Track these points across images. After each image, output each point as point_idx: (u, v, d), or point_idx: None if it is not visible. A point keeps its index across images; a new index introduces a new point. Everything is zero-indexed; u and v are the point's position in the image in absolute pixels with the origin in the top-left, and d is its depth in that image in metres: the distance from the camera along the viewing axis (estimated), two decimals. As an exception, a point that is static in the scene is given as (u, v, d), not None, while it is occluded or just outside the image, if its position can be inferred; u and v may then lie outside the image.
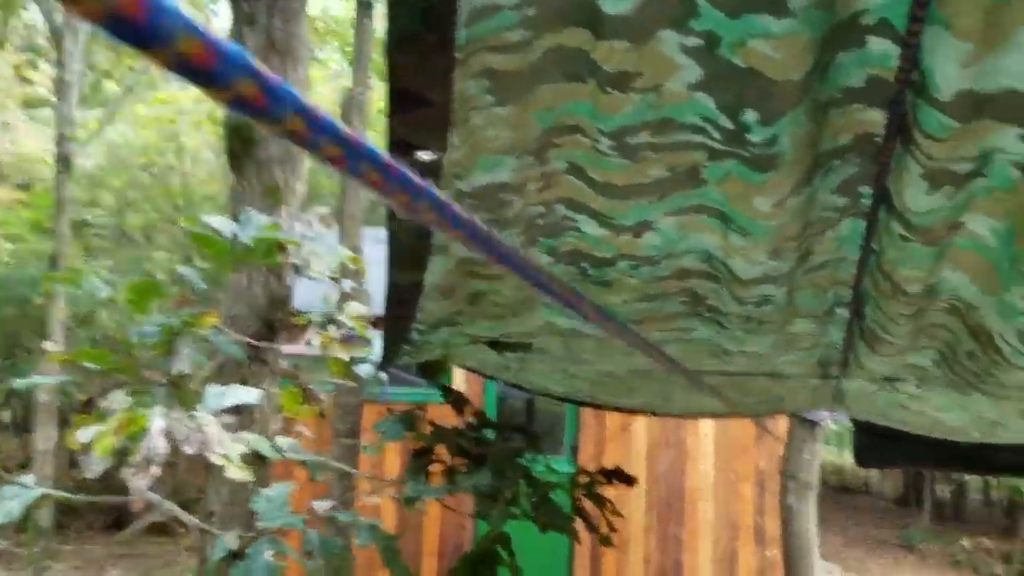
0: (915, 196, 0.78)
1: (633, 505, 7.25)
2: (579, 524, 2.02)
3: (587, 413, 7.28)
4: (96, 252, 12.08)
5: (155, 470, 1.28)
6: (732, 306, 1.29)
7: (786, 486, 5.50)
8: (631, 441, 7.35)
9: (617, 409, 5.48)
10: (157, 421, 1.32)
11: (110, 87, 13.08)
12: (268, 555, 1.44)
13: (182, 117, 11.88)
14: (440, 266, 0.96)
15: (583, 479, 1.79)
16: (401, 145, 0.72)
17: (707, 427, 7.49)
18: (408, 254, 0.90)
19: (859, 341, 1.64)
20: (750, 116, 0.68)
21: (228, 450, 1.33)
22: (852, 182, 0.86)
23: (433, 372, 1.53)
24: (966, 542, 14.43)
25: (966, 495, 19.23)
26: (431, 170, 0.73)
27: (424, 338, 1.44)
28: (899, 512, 18.98)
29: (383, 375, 3.13)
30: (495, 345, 1.61)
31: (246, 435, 1.48)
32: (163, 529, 9.85)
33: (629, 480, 1.86)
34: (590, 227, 0.96)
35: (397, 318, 1.15)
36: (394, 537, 1.45)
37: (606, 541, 1.82)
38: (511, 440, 1.77)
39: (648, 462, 7.35)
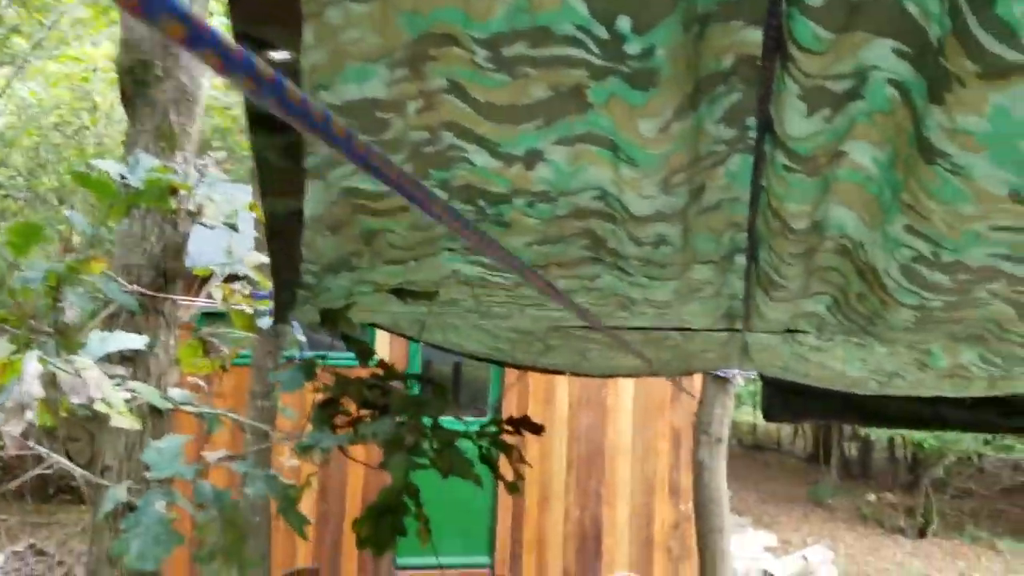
0: (795, 121, 0.78)
1: (555, 463, 7.38)
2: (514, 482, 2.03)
3: (510, 375, 7.33)
4: (7, 214, 11.47)
5: (29, 415, 1.21)
6: (630, 248, 1.29)
7: (698, 441, 5.66)
8: (554, 401, 7.45)
9: (537, 369, 5.53)
10: (31, 365, 1.25)
11: (19, 43, 12.34)
12: (159, 506, 1.39)
13: (95, 75, 11.30)
14: (320, 195, 0.92)
15: (490, 428, 1.78)
16: (247, 40, 0.68)
17: (627, 388, 7.64)
18: (278, 177, 0.85)
19: (757, 288, 1.66)
20: (624, 24, 0.66)
21: (109, 396, 1.27)
22: (737, 111, 0.85)
23: (335, 321, 1.49)
24: (871, 497, 15.19)
25: (872, 452, 20.20)
26: (287, 74, 0.68)
27: (321, 283, 1.40)
28: (809, 469, 19.82)
29: (300, 336, 3.06)
30: (400, 293, 1.58)
31: (135, 384, 1.41)
32: (83, 497, 9.53)
33: (535, 428, 1.86)
34: (480, 157, 0.93)
35: (282, 255, 1.10)
36: (291, 486, 1.42)
37: (513, 488, 1.82)
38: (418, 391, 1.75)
39: (570, 421, 7.47)
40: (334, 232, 1.06)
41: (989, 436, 12.66)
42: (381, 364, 1.64)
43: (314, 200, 0.93)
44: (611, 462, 7.53)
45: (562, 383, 7.51)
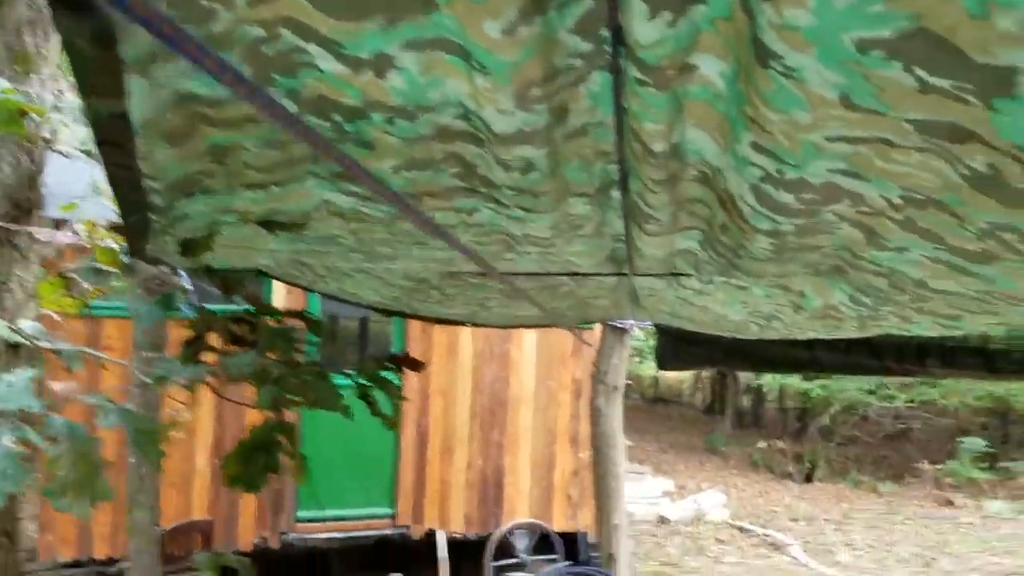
0: (640, 25, 0.77)
1: (458, 415, 7.43)
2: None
3: (414, 329, 7.30)
4: None
5: None
6: (500, 173, 1.27)
7: (596, 390, 5.78)
8: (457, 354, 7.47)
9: (438, 320, 5.50)
10: None
11: None
12: (7, 440, 1.31)
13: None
14: (146, 96, 0.85)
15: (369, 365, 1.76)
16: None
17: (530, 341, 7.73)
18: (94, 71, 0.78)
19: (633, 224, 1.68)
20: None
21: (-62, 323, 1.18)
22: (590, 21, 0.84)
23: (195, 250, 1.42)
24: (762, 444, 15.96)
25: (764, 403, 21.17)
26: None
27: (174, 208, 1.33)
28: (706, 420, 20.64)
29: (187, 284, 2.94)
30: (268, 225, 1.52)
31: (-24, 315, 1.32)
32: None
33: (415, 365, 1.84)
34: (326, 62, 0.89)
35: (119, 169, 1.03)
36: (150, 420, 1.36)
37: (390, 424, 1.80)
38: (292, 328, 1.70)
39: (473, 373, 7.52)
40: (174, 144, 1.00)
41: (872, 386, 13.44)
42: (249, 298, 1.59)
43: (140, 102, 0.86)
44: (513, 413, 7.64)
45: (466, 336, 7.54)
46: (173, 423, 1.57)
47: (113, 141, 0.94)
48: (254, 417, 1.71)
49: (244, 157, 1.15)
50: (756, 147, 0.90)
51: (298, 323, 1.92)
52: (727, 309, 3.03)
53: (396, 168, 1.28)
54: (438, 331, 7.36)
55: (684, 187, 1.27)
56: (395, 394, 1.76)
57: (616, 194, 1.58)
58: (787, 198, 1.01)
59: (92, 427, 1.43)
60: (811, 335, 3.08)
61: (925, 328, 2.65)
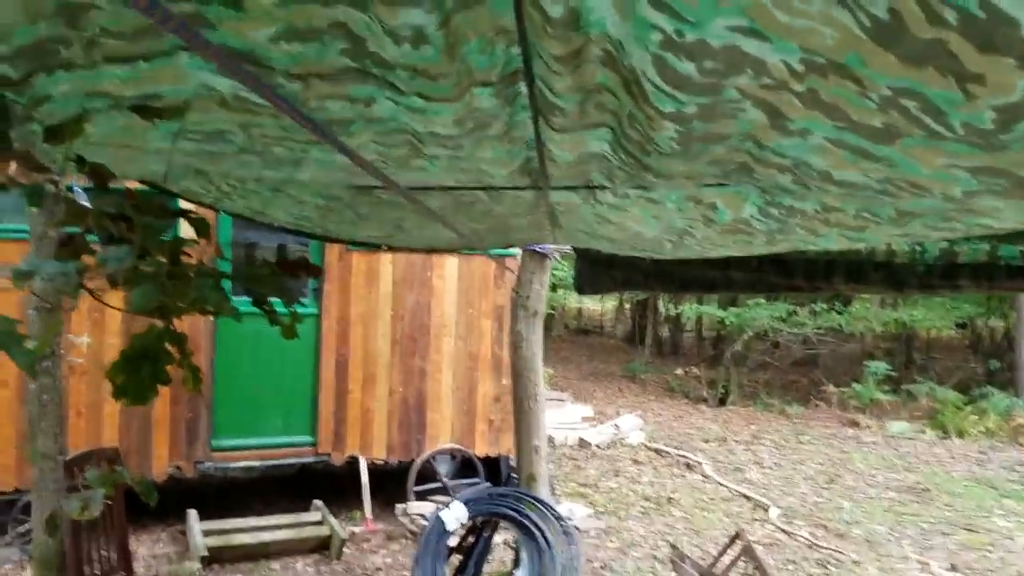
0: None
1: (379, 342, 7.36)
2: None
3: (332, 255, 7.14)
4: None
5: None
6: (391, 48, 1.18)
7: (517, 315, 5.78)
8: (377, 282, 7.36)
9: (353, 242, 5.37)
10: None
11: None
12: None
13: None
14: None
15: (263, 270, 1.66)
16: None
17: (451, 268, 7.67)
18: None
19: (541, 121, 1.61)
20: None
21: None
22: None
23: (61, 135, 1.29)
24: (679, 371, 16.45)
25: (682, 333, 21.76)
26: None
27: (32, 84, 1.20)
28: (627, 349, 21.13)
29: (85, 203, 2.74)
30: (142, 111, 1.39)
31: None
32: None
33: (312, 271, 1.76)
34: None
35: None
36: (11, 321, 1.25)
37: (289, 333, 1.72)
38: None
39: (394, 301, 7.44)
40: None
41: (783, 314, 13.90)
42: (128, 193, 1.47)
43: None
44: (435, 340, 7.61)
45: (386, 264, 7.42)
46: (53, 329, 1.45)
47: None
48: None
49: (99, 19, 1.03)
50: (654, 2, 0.83)
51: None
52: (642, 226, 3.01)
53: (273, 38, 1.18)
54: (357, 258, 7.22)
55: (589, 71, 1.21)
56: (290, 300, 1.68)
57: (523, 88, 1.51)
58: (688, 68, 0.96)
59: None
60: (723, 252, 3.10)
61: (832, 241, 2.69)
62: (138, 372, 1.54)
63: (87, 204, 1.41)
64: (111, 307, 1.66)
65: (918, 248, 3.05)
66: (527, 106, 1.62)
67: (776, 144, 1.21)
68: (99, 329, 6.07)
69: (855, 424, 12.48)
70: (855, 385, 13.57)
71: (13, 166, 1.57)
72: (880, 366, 13.52)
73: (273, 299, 1.77)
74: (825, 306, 14.40)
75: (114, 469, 2.80)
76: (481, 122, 1.69)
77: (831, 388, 13.95)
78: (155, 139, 1.80)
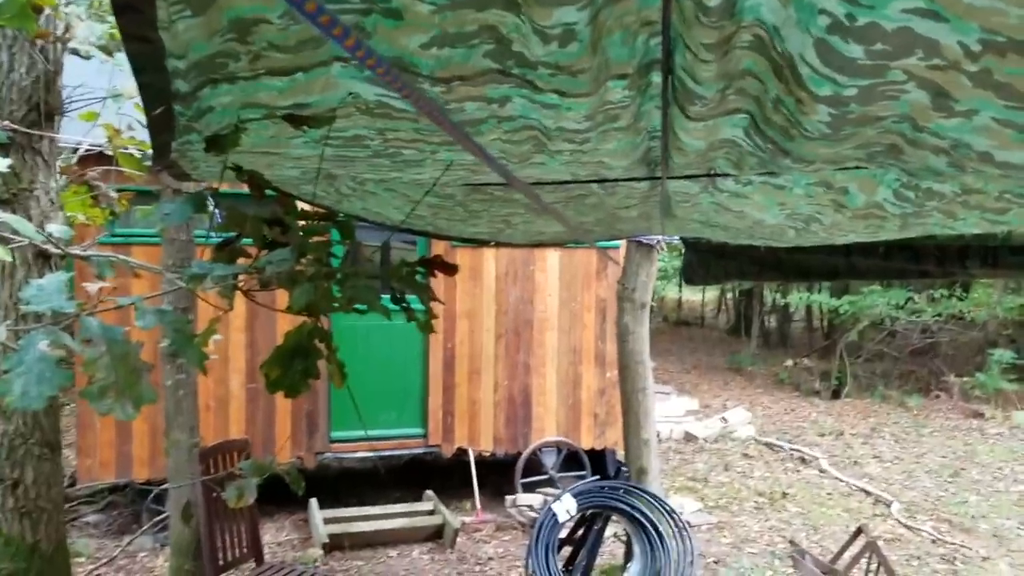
0: None
1: (484, 337, 7.45)
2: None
3: (437, 252, 7.28)
4: None
5: None
6: (537, 47, 1.20)
7: (622, 308, 5.75)
8: (481, 277, 7.46)
9: (462, 239, 5.46)
10: None
11: None
12: (43, 345, 1.29)
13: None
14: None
15: (402, 269, 1.72)
16: None
17: (553, 262, 7.69)
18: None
19: (674, 109, 1.60)
20: None
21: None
22: None
23: (222, 146, 1.37)
24: (789, 363, 15.97)
25: (790, 322, 21.11)
26: None
27: (199, 99, 1.27)
28: (731, 341, 20.67)
29: (211, 206, 2.90)
30: (293, 120, 1.46)
31: (5, 216, 1.28)
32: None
33: (448, 269, 1.80)
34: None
35: (139, 43, 0.96)
36: (186, 320, 1.34)
37: (425, 327, 1.77)
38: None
39: (497, 296, 7.52)
40: (196, 11, 0.94)
41: (901, 301, 13.30)
42: (280, 200, 1.54)
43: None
44: (539, 334, 7.66)
45: (489, 260, 7.51)
46: (213, 325, 1.55)
47: (131, 3, 0.88)
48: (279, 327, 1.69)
49: (267, 34, 1.09)
50: (827, -12, 0.82)
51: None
52: (764, 213, 2.95)
53: (425, 45, 1.22)
54: (461, 254, 7.33)
55: (736, 57, 1.19)
56: (428, 297, 1.73)
57: (656, 78, 1.50)
58: (855, 51, 0.93)
59: (128, 334, 1.41)
60: (851, 238, 3.00)
61: (970, 225, 2.56)
62: (291, 367, 1.61)
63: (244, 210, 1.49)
64: (268, 308, 1.75)
65: (1062, 229, 2.87)
66: (657, 96, 1.61)
67: (936, 125, 1.17)
68: (225, 327, 6.39)
69: (979, 415, 11.84)
70: (978, 374, 12.86)
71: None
72: (1005, 354, 12.76)
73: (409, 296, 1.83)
74: (945, 292, 13.69)
75: (257, 460, 2.94)
76: (611, 115, 1.69)
77: (952, 378, 13.27)
78: (298, 146, 1.89)
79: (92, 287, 1.34)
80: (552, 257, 7.67)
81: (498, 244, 6.14)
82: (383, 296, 1.57)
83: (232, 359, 6.52)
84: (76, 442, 6.35)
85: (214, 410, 6.44)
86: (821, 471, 8.94)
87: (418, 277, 1.81)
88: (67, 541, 1.83)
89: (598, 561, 5.54)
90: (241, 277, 1.54)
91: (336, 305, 1.46)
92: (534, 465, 7.55)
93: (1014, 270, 3.03)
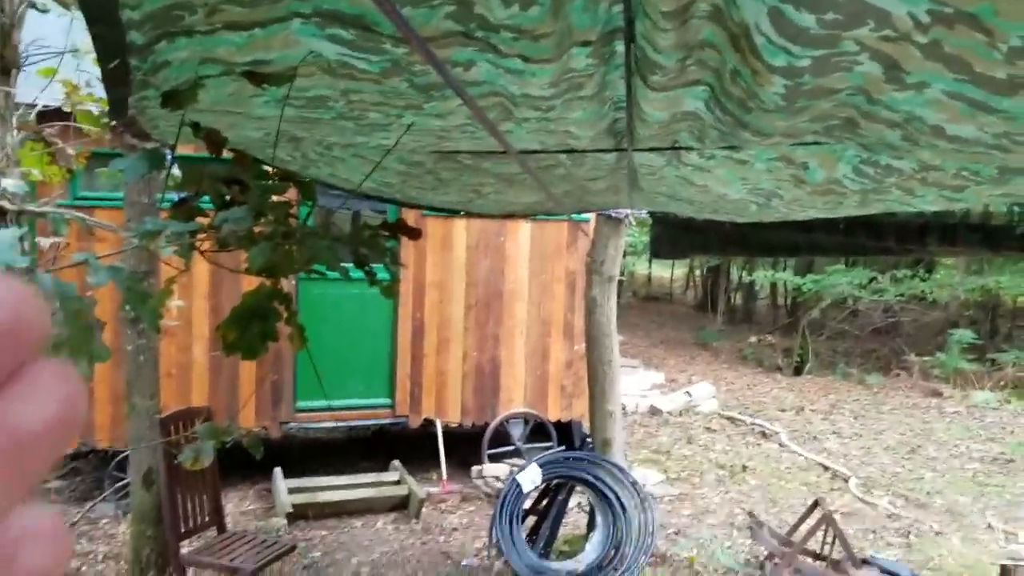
0: None
1: (453, 308, 7.46)
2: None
3: (407, 219, 7.24)
4: None
5: None
6: (498, 9, 1.19)
7: (591, 281, 5.78)
8: (451, 248, 7.44)
9: (432, 208, 5.44)
10: None
11: None
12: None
13: None
14: None
15: (365, 232, 1.71)
16: None
17: (524, 234, 7.69)
18: None
19: (636, 80, 1.61)
20: None
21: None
22: None
23: (179, 101, 1.35)
24: (753, 339, 16.20)
25: (755, 300, 21.38)
26: None
27: (155, 52, 1.25)
28: (697, 317, 20.87)
29: (176, 171, 2.86)
30: (253, 76, 1.44)
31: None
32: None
33: (411, 233, 1.80)
34: None
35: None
36: (140, 279, 1.32)
37: (388, 292, 1.77)
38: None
39: (468, 267, 7.51)
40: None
41: (864, 280, 13.52)
42: (237, 157, 1.53)
43: None
44: (508, 306, 7.68)
45: (460, 230, 7.49)
46: (170, 285, 1.54)
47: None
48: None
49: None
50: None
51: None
52: (727, 188, 2.97)
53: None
54: (432, 224, 7.31)
55: (695, 26, 1.20)
56: (393, 260, 1.73)
57: (620, 47, 1.51)
58: (808, 20, 0.95)
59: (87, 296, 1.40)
60: (811, 213, 3.04)
61: (929, 202, 2.61)
62: (249, 329, 1.61)
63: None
64: (228, 269, 1.74)
65: (1016, 208, 2.94)
66: (621, 65, 1.62)
67: (889, 98, 1.19)
68: (188, 293, 6.33)
69: (938, 394, 12.12)
70: (938, 354, 13.15)
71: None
72: (965, 334, 13.05)
73: (374, 265, 1.83)
74: (908, 272, 13.94)
75: (214, 424, 2.93)
76: (575, 83, 1.69)
77: (913, 357, 13.55)
78: (259, 106, 1.87)
79: (45, 241, 1.32)
80: (523, 230, 7.68)
81: (468, 214, 6.14)
82: (347, 262, 1.57)
83: (195, 325, 6.46)
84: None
85: (176, 377, 6.39)
86: (781, 445, 9.12)
87: (387, 243, 1.81)
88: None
89: (561, 531, 5.62)
90: (199, 237, 1.53)
91: (295, 266, 1.45)
92: (501, 436, 7.61)
93: (972, 247, 3.10)
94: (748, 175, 2.67)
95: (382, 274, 1.98)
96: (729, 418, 10.35)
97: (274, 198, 1.68)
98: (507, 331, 7.69)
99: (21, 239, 1.31)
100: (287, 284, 1.64)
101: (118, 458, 6.24)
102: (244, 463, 6.83)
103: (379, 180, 3.87)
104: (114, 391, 6.18)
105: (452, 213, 7.14)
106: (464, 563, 5.55)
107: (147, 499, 4.15)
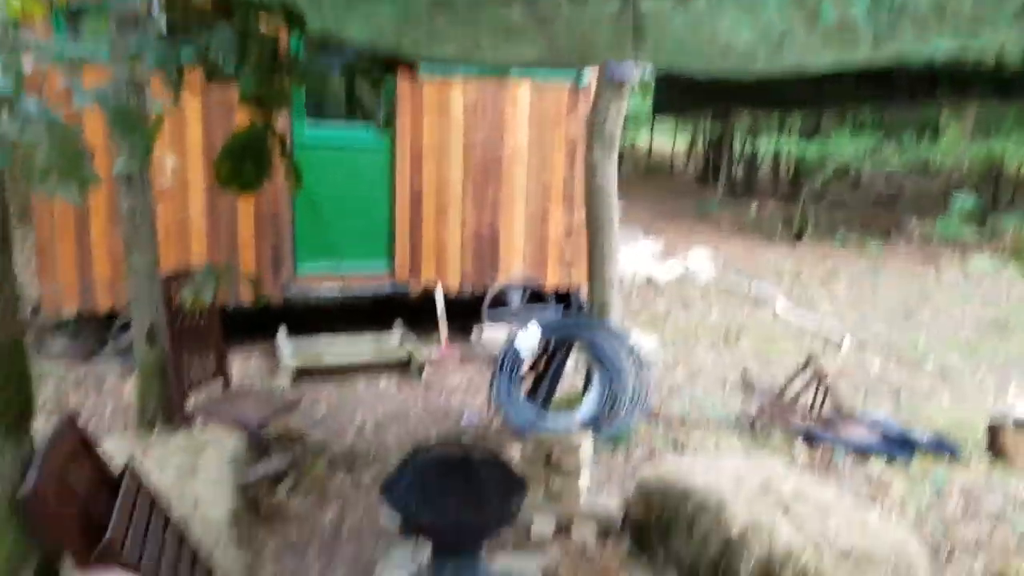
0: None
1: (451, 173, 7.38)
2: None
3: (403, 86, 7.03)
4: None
5: None
6: None
7: (591, 143, 5.68)
8: (448, 112, 7.28)
9: (431, 60, 5.27)
10: None
11: None
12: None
13: None
14: None
15: (362, 64, 1.65)
16: None
17: (524, 98, 7.51)
18: None
19: None
20: None
21: None
22: None
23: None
24: (754, 208, 16.15)
25: (757, 170, 21.17)
26: None
27: None
28: (699, 188, 20.74)
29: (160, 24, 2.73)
30: None
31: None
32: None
33: (407, 66, 1.74)
34: None
35: None
36: (127, 106, 1.28)
37: (387, 122, 1.73)
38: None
39: (465, 132, 7.38)
40: None
41: (868, 148, 13.33)
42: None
43: None
44: (507, 171, 7.59)
45: (457, 94, 7.30)
46: (161, 118, 1.49)
47: None
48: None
49: None
50: None
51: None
52: (735, 37, 2.86)
53: None
54: (429, 88, 7.12)
55: None
56: (384, 90, 1.67)
57: None
58: None
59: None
60: (822, 61, 2.94)
61: (944, 43, 2.52)
62: (243, 165, 1.58)
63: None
64: (215, 82, 1.68)
65: (1034, 54, 2.84)
66: None
67: None
68: (182, 151, 6.24)
69: (936, 261, 12.19)
70: (939, 220, 13.14)
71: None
72: (967, 200, 12.99)
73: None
74: (913, 139, 13.72)
75: (213, 264, 2.94)
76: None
77: (913, 223, 13.55)
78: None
79: (28, 63, 1.26)
80: (522, 93, 7.49)
81: (466, 78, 5.95)
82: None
83: (191, 183, 6.40)
84: (37, 270, 6.31)
85: (174, 237, 6.40)
86: (776, 311, 9.24)
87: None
88: (25, 339, 1.84)
89: (559, 391, 5.77)
90: (187, 68, 1.47)
91: (284, 95, 1.40)
92: (501, 303, 7.70)
93: (983, 97, 3.02)
94: (758, 19, 2.57)
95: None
96: (726, 286, 10.45)
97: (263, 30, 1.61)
98: (506, 197, 7.64)
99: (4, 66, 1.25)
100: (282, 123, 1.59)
101: (120, 319, 6.33)
102: (248, 327, 6.94)
103: (373, 28, 3.73)
104: (113, 254, 6.20)
105: (448, 73, 6.95)
106: (464, 419, 5.73)
107: (151, 355, 4.23)
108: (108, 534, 1.76)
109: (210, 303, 4.63)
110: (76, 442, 1.96)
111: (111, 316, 6.48)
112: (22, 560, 1.90)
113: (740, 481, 3.68)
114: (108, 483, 2.02)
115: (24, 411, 1.86)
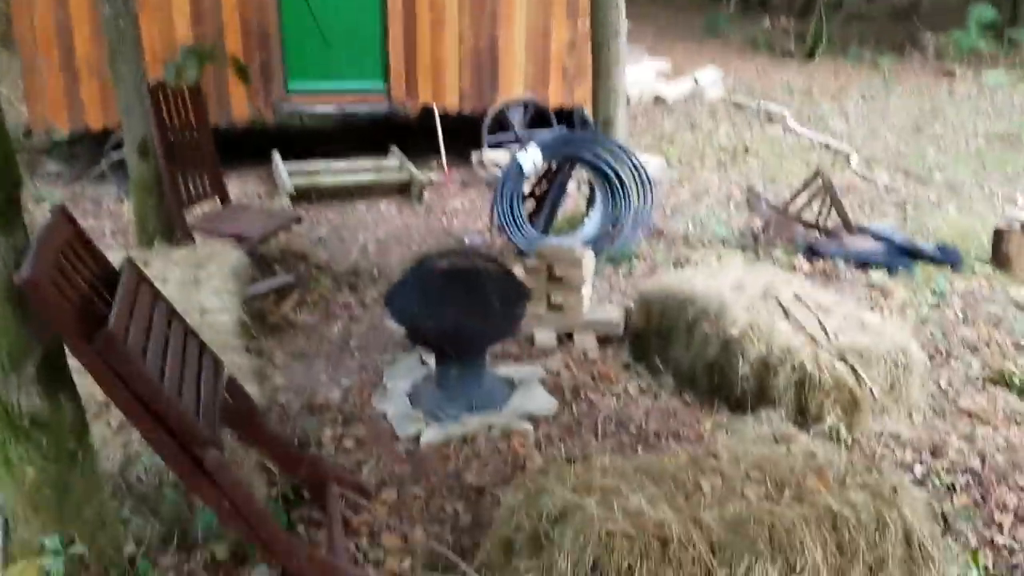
0: None
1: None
2: None
3: None
4: None
5: None
6: None
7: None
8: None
9: None
10: None
11: None
12: None
13: None
14: None
15: None
16: None
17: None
18: None
19: None
20: None
21: None
22: None
23: None
24: (766, 24, 15.37)
25: (771, -16, 19.96)
26: None
27: None
28: (708, 6, 19.66)
29: None
30: None
31: None
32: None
33: None
34: None
35: None
36: None
37: None
38: None
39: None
40: None
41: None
42: None
43: None
44: (507, -17, 7.14)
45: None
46: None
47: None
48: None
49: None
50: None
51: None
52: None
53: None
54: None
55: None
56: None
57: None
58: None
59: None
60: None
61: None
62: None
63: None
64: None
65: None
66: None
67: None
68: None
69: (950, 75, 11.74)
70: (955, 32, 12.53)
71: None
72: (986, 11, 12.34)
73: None
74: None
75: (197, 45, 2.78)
76: None
77: (928, 36, 12.94)
78: None
79: None
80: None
81: None
82: None
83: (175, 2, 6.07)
84: (24, 92, 6.08)
85: (161, 57, 6.12)
86: (786, 128, 9.00)
87: None
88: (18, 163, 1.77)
89: (561, 211, 5.69)
90: None
91: None
92: (501, 122, 7.48)
93: None
94: None
95: None
96: (735, 104, 10.13)
97: None
98: (505, 8, 7.22)
99: None
100: None
101: (114, 137, 6.13)
102: (243, 149, 6.77)
103: None
104: (100, 71, 5.92)
105: None
106: (467, 240, 5.71)
107: (145, 169, 4.13)
108: (110, 323, 1.74)
109: (201, 114, 4.48)
110: (72, 233, 1.92)
111: (106, 133, 6.29)
112: (23, 355, 1.90)
113: (741, 288, 3.68)
114: (107, 276, 2.00)
115: (11, 196, 1.79)
